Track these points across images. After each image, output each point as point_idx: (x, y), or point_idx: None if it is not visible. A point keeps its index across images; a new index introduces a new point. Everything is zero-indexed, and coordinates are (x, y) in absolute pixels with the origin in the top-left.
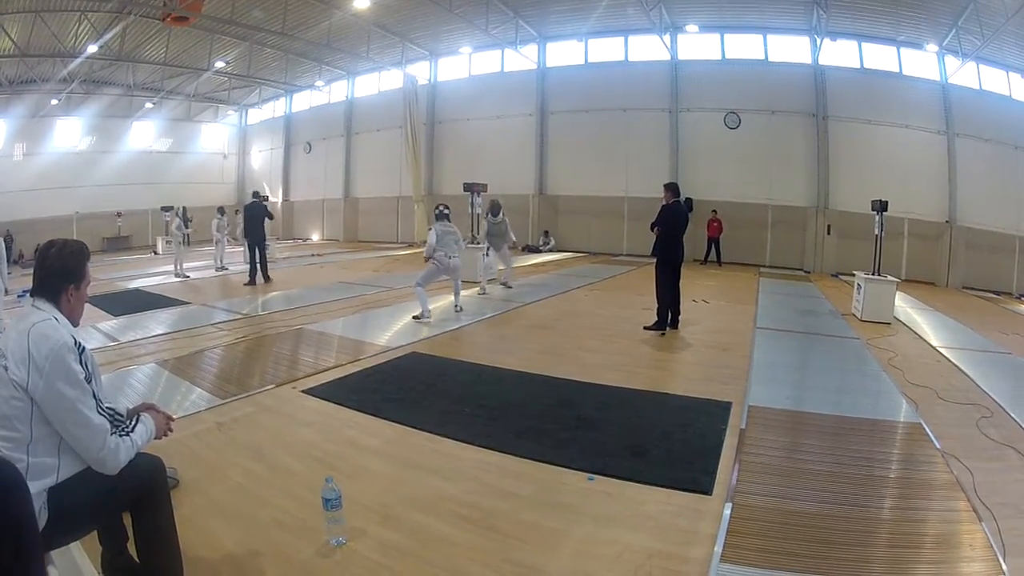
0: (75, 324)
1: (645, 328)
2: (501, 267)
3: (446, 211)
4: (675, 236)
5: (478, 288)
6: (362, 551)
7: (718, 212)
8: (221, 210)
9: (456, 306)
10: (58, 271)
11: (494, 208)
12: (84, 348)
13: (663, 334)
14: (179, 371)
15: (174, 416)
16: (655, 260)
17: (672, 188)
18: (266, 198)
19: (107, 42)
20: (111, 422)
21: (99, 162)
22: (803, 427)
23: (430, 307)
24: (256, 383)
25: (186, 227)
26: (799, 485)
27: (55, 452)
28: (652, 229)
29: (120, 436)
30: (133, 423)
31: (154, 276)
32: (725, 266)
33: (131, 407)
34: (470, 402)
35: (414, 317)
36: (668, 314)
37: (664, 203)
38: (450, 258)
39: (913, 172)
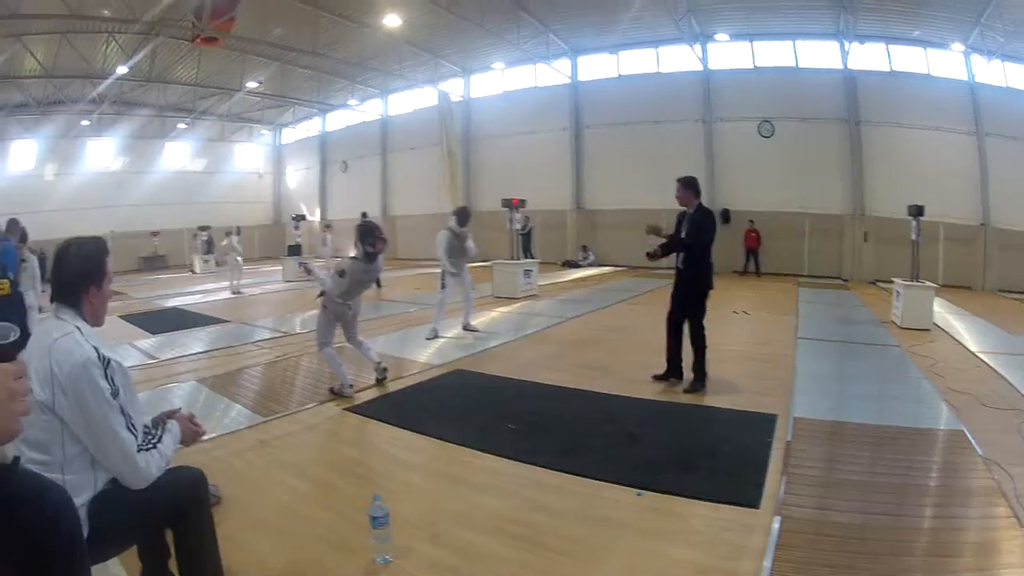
0: (99, 324)
1: (656, 378)
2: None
3: (371, 250)
4: (709, 253)
5: (431, 328)
6: (409, 569)
7: (755, 222)
8: (328, 226)
9: (378, 367)
10: (77, 272)
11: (463, 215)
12: (109, 361)
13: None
14: (219, 388)
15: (200, 424)
16: (685, 291)
17: (692, 184)
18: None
19: (136, 63)
20: (143, 436)
21: (133, 182)
22: (848, 437)
23: (350, 380)
24: (298, 401)
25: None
26: (846, 496)
27: (89, 467)
28: (668, 253)
29: (148, 450)
30: (160, 433)
31: (192, 295)
32: (763, 277)
33: (155, 415)
34: (515, 418)
35: (331, 390)
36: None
37: (686, 208)
38: (349, 307)
39: (945, 175)
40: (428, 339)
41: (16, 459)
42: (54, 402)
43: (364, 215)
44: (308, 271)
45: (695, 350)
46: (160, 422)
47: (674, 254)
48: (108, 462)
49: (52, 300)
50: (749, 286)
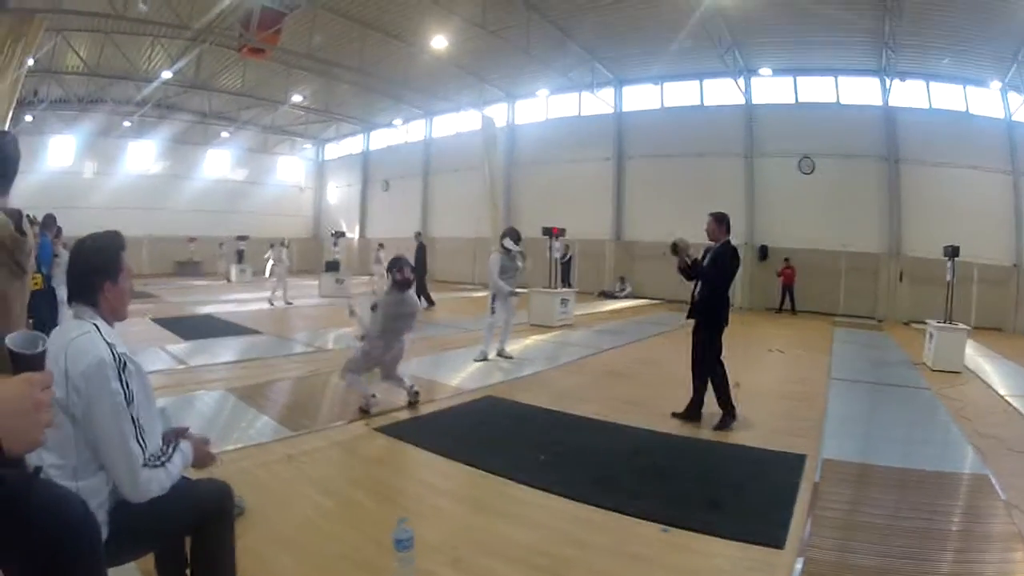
0: (121, 318)
1: (675, 416)
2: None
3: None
4: (726, 289)
5: (480, 352)
6: None
7: (790, 260)
8: (381, 245)
9: (410, 390)
10: (90, 268)
11: (516, 234)
12: (126, 363)
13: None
14: (248, 399)
15: (212, 447)
16: (700, 325)
17: (724, 220)
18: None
19: (181, 69)
20: (155, 450)
21: (173, 187)
22: (875, 480)
23: (372, 391)
24: (326, 417)
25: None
26: (869, 539)
27: (103, 471)
28: (688, 276)
29: (153, 467)
30: (171, 451)
31: (227, 304)
32: (801, 315)
33: (166, 431)
34: (545, 448)
35: (360, 409)
36: (704, 394)
37: (714, 242)
38: (391, 347)
39: (980, 214)
40: (476, 361)
41: (38, 469)
42: (68, 403)
43: (418, 235)
44: (351, 312)
45: (714, 387)
46: (172, 440)
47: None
48: (111, 469)
49: (69, 299)
50: (784, 324)
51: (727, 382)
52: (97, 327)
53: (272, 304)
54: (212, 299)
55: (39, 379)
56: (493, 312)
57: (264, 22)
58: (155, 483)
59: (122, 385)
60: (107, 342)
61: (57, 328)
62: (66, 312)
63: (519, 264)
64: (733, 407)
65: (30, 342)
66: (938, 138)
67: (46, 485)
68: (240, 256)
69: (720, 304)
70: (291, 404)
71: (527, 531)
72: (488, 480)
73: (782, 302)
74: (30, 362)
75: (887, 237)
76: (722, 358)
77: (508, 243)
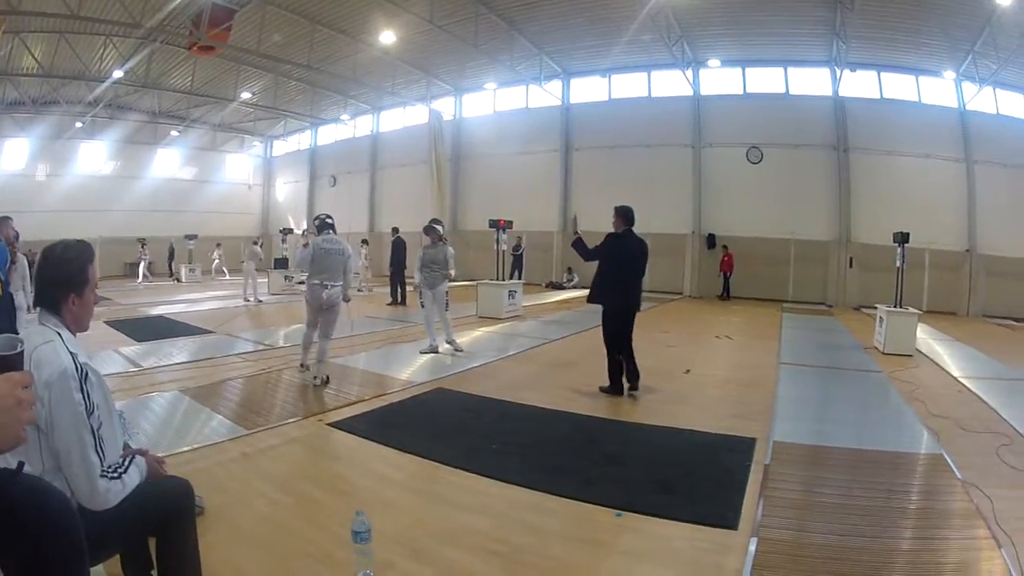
0: (83, 329)
1: (601, 389)
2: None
3: (328, 220)
4: (623, 277)
5: (427, 344)
6: None
7: (729, 247)
8: (365, 242)
9: (315, 377)
10: (57, 280)
11: (433, 227)
12: (87, 374)
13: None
14: (202, 399)
15: (164, 461)
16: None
17: (624, 213)
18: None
19: (132, 68)
20: (114, 461)
21: (123, 187)
22: (827, 461)
23: (311, 358)
24: (280, 415)
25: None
26: (823, 519)
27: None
28: (586, 259)
29: (111, 478)
30: (128, 463)
31: (178, 304)
32: (750, 302)
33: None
34: (497, 438)
35: (316, 382)
36: (621, 376)
37: (613, 232)
38: (325, 287)
39: (933, 202)
40: (423, 353)
41: (21, 464)
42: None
43: (395, 230)
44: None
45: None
46: (128, 455)
47: None
48: (70, 477)
49: (35, 305)
50: (732, 311)
51: (608, 355)
52: (60, 336)
53: (259, 301)
54: (163, 300)
55: (19, 378)
56: (422, 305)
57: (215, 19)
58: (112, 493)
59: (83, 396)
60: (70, 352)
61: (23, 334)
62: (24, 318)
63: (450, 250)
64: (612, 382)
65: (8, 343)
66: (889, 127)
67: (30, 480)
68: (172, 255)
69: (607, 290)
70: (245, 402)
71: (483, 519)
72: (442, 471)
73: (728, 290)
74: (9, 362)
75: (836, 224)
76: (625, 341)
77: (437, 227)
